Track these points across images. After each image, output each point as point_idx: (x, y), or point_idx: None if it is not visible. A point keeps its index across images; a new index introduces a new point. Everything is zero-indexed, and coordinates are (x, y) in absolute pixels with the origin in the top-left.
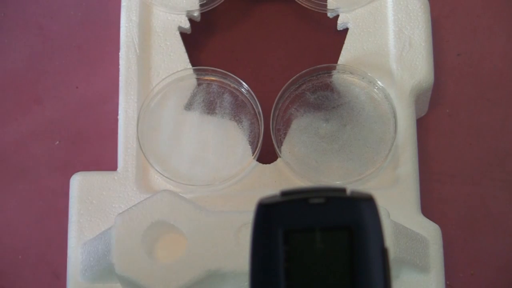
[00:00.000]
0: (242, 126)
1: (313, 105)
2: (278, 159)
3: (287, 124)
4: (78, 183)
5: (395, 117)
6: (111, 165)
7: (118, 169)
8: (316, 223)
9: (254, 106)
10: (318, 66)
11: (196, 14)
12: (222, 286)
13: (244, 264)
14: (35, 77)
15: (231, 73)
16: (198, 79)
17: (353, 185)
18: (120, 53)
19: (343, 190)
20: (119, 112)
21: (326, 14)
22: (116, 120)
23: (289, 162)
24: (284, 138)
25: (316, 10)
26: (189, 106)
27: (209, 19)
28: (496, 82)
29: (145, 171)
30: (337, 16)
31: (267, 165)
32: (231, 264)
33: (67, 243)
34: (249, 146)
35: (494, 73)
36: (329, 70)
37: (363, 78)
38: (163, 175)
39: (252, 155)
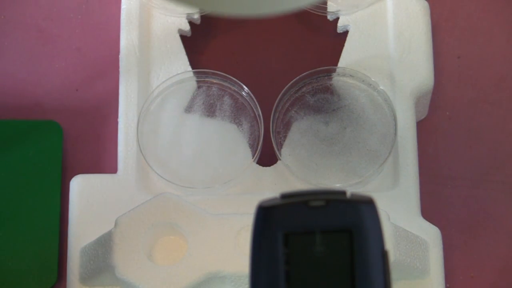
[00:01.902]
0: (242, 129)
1: (313, 107)
2: (278, 162)
3: (287, 126)
4: (78, 185)
5: (395, 119)
6: (111, 167)
7: (118, 172)
8: (316, 226)
9: (254, 109)
10: (318, 68)
11: (196, 16)
12: None
13: (244, 267)
14: (35, 79)
15: (231, 75)
16: (198, 81)
17: (353, 188)
18: (120, 56)
19: (343, 193)
20: (119, 114)
21: (326, 16)
22: (116, 123)
23: (289, 165)
24: (284, 140)
25: (316, 12)
26: (189, 109)
27: (209, 21)
28: (496, 84)
29: (145, 173)
30: (337, 18)
31: (267, 167)
32: (231, 267)
33: (67, 246)
34: (249, 149)
35: (494, 76)
36: (329, 73)
37: (363, 80)
38: (163, 178)
39: (252, 158)
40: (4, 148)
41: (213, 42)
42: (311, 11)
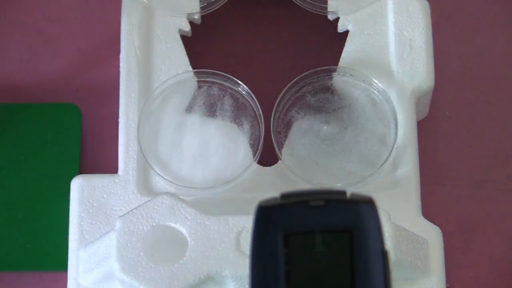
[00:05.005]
0: (242, 129)
1: (313, 107)
2: (279, 162)
3: (287, 126)
4: (79, 186)
5: (395, 119)
6: (111, 168)
7: (119, 172)
8: (316, 225)
9: (255, 109)
10: (318, 68)
11: (196, 17)
12: None
13: (245, 267)
14: (35, 80)
15: (231, 75)
16: (198, 81)
17: (353, 188)
18: (120, 56)
19: (343, 192)
20: (120, 115)
21: (326, 16)
22: (117, 123)
23: (289, 165)
24: (284, 140)
25: (316, 12)
26: (189, 109)
27: (210, 21)
28: (496, 84)
29: (146, 174)
30: (338, 18)
31: (268, 167)
32: (232, 267)
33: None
34: (250, 149)
35: (495, 76)
36: (329, 73)
37: (363, 80)
38: (164, 178)
39: (253, 158)
40: (24, 130)
41: (213, 42)
42: (311, 11)
